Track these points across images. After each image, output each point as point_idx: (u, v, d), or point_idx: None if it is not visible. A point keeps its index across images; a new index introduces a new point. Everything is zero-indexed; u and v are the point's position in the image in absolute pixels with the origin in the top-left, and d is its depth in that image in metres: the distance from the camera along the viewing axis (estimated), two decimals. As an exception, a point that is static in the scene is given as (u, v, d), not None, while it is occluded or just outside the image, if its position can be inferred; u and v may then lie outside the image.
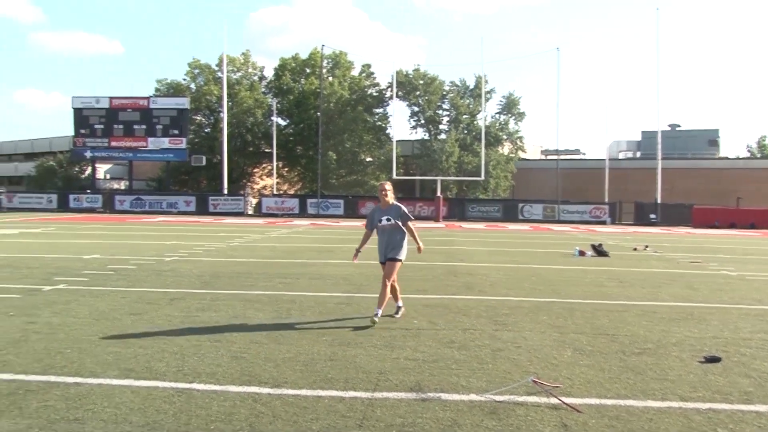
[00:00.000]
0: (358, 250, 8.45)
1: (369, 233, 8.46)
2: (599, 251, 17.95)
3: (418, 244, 8.22)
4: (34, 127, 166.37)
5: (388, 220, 8.08)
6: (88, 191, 49.16)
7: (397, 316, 8.32)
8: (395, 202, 8.24)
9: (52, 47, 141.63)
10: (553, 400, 5.01)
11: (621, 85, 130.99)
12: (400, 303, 8.51)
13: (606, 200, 48.42)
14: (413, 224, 8.23)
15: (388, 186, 8.27)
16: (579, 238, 26.04)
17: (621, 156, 71.77)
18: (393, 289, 8.21)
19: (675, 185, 49.86)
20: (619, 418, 4.69)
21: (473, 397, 5.12)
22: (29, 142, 73.26)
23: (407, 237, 8.17)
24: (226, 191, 48.33)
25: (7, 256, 15.13)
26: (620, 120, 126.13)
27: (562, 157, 58.07)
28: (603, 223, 42.85)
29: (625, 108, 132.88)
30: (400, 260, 8.12)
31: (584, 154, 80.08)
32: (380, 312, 7.90)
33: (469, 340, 7.11)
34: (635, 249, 20.52)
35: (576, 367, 6.06)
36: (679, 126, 73.29)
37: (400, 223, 8.11)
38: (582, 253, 17.84)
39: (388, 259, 8.06)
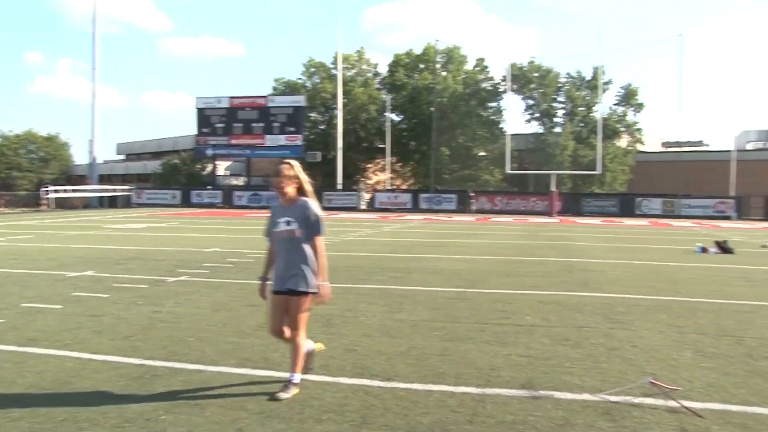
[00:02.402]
0: (263, 279, 5.27)
1: (272, 247, 5.21)
2: (724, 248, 17.06)
3: (319, 279, 4.99)
4: (161, 127, 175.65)
5: (288, 224, 4.98)
6: (209, 187, 51.34)
7: (285, 396, 4.85)
8: (304, 198, 5.07)
9: (178, 51, 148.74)
10: (672, 403, 4.81)
11: (751, 71, 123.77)
12: (297, 378, 5.00)
13: (732, 194, 45.93)
14: (323, 241, 5.06)
15: (288, 170, 5.00)
16: (701, 234, 24.83)
17: (749, 147, 67.77)
18: (297, 346, 5.02)
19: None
20: (746, 426, 4.44)
21: (587, 396, 5.01)
22: (156, 141, 77.04)
23: (322, 254, 5.05)
24: (340, 187, 49.23)
25: (136, 248, 16.07)
26: (750, 109, 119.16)
27: (684, 149, 55.49)
28: (728, 218, 40.65)
29: (757, 96, 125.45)
30: (309, 294, 5.00)
31: (708, 145, 76.13)
32: (297, 378, 5.01)
33: (584, 338, 6.95)
34: (765, 246, 19.37)
35: (697, 369, 5.80)
36: (816, 114, 68.47)
37: (302, 232, 4.99)
38: (705, 250, 17.02)
39: (289, 291, 4.98)
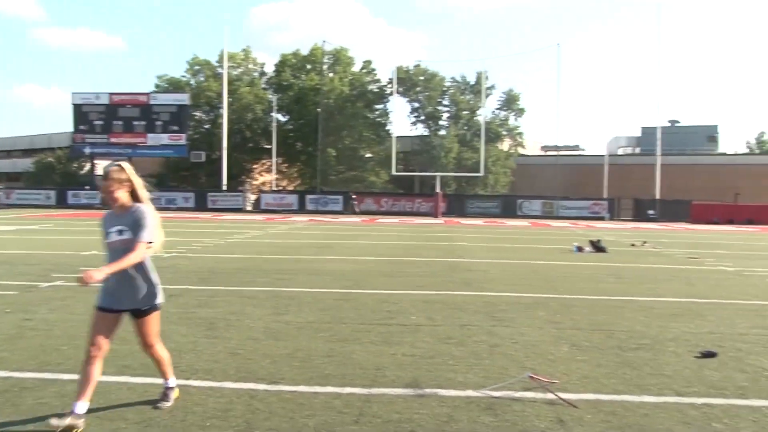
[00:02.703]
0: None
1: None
2: (598, 247, 17.96)
3: (105, 268, 4.25)
4: (33, 122, 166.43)
5: (120, 233, 4.43)
6: (87, 187, 49.16)
7: (167, 404, 4.73)
8: (138, 204, 4.50)
9: (53, 43, 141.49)
10: (550, 396, 5.01)
11: (621, 81, 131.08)
12: (172, 382, 4.86)
13: (605, 196, 48.46)
14: (142, 248, 4.37)
15: (118, 172, 4.45)
16: (578, 234, 26.05)
17: (620, 152, 71.73)
18: (158, 360, 4.80)
19: (674, 181, 49.91)
20: (615, 413, 4.70)
21: (470, 392, 5.13)
22: (28, 138, 73.28)
23: (131, 256, 4.33)
24: (225, 187, 48.33)
25: (4, 252, 15.13)
26: (620, 116, 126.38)
27: (562, 153, 58.06)
28: (602, 219, 42.87)
29: (626, 104, 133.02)
30: (157, 308, 4.67)
31: (583, 150, 79.95)
32: (81, 406, 4.27)
33: (467, 336, 7.12)
34: (633, 245, 20.54)
35: (573, 362, 6.07)
36: (678, 122, 73.23)
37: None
38: (580, 249, 17.84)
39: (135, 311, 4.58)
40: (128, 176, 4.45)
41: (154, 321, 4.64)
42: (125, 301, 4.49)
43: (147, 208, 4.47)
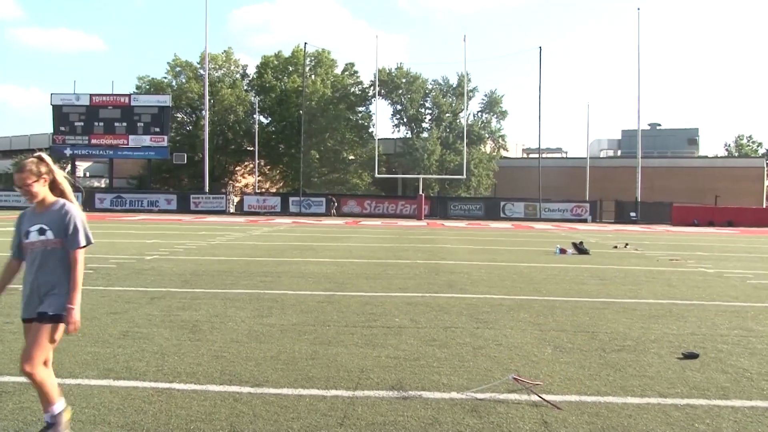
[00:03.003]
0: None
1: (14, 264, 4.07)
2: (580, 249, 18.05)
3: (72, 303, 3.85)
4: (12, 124, 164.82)
5: (41, 232, 3.91)
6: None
7: None
8: (63, 200, 4.02)
9: (31, 43, 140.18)
10: (534, 398, 5.02)
11: (602, 84, 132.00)
12: (59, 406, 3.96)
13: (587, 199, 48.74)
14: (82, 255, 3.96)
15: (36, 164, 3.91)
16: (560, 236, 26.18)
17: (602, 155, 72.28)
18: (40, 383, 3.88)
19: (654, 183, 50.36)
20: (599, 414, 4.71)
21: (454, 395, 5.12)
22: (7, 139, 72.59)
23: (78, 271, 3.92)
24: (207, 189, 48.13)
25: (-16, 255, 14.94)
26: (601, 119, 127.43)
27: (544, 155, 58.34)
28: (584, 221, 43.16)
29: (607, 107, 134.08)
30: (61, 320, 3.89)
31: (566, 152, 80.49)
32: (59, 408, 3.96)
33: (451, 338, 7.12)
34: (615, 247, 20.68)
35: (556, 364, 6.08)
36: (659, 125, 73.89)
37: (60, 242, 3.93)
38: (563, 251, 17.92)
39: (38, 315, 3.87)
40: (48, 168, 3.93)
41: (51, 331, 3.88)
42: (28, 305, 3.94)
43: (73, 207, 3.99)
